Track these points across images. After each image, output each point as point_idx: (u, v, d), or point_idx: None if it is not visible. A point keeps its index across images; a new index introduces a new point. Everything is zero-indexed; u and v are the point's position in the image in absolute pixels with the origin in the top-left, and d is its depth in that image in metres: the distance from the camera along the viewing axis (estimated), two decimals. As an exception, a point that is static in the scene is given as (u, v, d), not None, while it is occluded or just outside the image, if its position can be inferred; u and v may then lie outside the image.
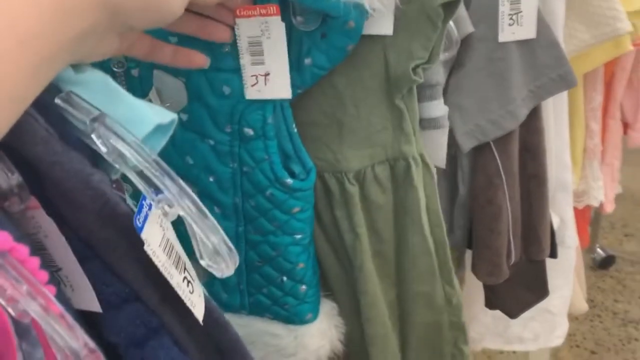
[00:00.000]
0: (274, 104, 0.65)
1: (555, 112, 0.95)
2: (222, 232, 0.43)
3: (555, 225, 1.02)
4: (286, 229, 0.71)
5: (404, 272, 0.78)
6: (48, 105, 0.40)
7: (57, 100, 0.40)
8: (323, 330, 0.79)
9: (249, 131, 0.66)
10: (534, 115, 0.87)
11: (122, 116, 0.43)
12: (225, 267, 0.44)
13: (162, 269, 0.44)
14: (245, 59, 0.62)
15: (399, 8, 0.61)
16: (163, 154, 0.60)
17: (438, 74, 0.74)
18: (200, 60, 0.57)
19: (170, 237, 0.47)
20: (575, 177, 1.14)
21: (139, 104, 0.44)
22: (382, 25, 0.63)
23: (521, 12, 0.76)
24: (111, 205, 0.42)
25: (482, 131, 0.82)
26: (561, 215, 1.04)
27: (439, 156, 0.78)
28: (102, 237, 0.44)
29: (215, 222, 0.43)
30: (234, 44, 0.62)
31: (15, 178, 0.39)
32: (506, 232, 0.91)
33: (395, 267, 0.79)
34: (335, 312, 0.80)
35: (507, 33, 0.77)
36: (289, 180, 0.68)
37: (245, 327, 0.79)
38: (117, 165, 0.42)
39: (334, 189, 0.73)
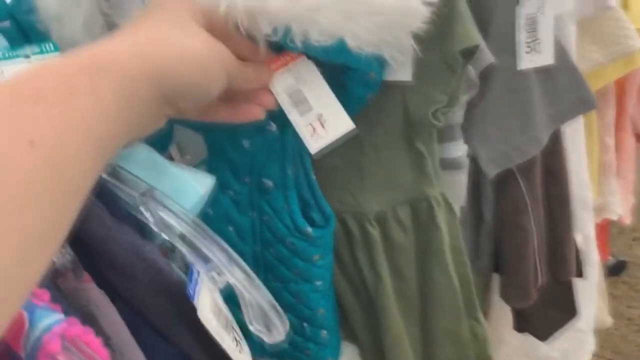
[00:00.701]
0: (294, 154, 0.65)
1: (572, 131, 0.94)
2: (271, 297, 0.43)
3: (579, 244, 1.01)
4: (306, 276, 0.71)
5: (428, 309, 0.78)
6: (97, 181, 0.40)
7: (106, 176, 0.40)
8: None
9: (269, 183, 0.66)
10: (554, 138, 0.85)
11: (167, 188, 0.43)
12: (276, 333, 0.43)
13: (214, 334, 0.44)
14: (293, 114, 0.59)
15: (418, 55, 0.60)
16: None
17: (457, 114, 0.74)
18: (257, 112, 0.55)
19: (218, 300, 0.47)
20: (594, 193, 1.13)
21: (181, 174, 0.45)
22: (401, 72, 0.62)
23: (538, 39, 0.74)
24: (163, 276, 0.44)
25: (507, 157, 0.81)
26: (584, 233, 1.04)
27: (458, 195, 0.79)
28: (154, 305, 0.45)
29: (264, 287, 0.43)
30: None
31: (69, 255, 0.39)
32: (533, 256, 0.89)
33: (419, 305, 0.78)
34: (356, 355, 0.80)
35: (526, 61, 0.75)
36: (309, 229, 0.68)
37: None
38: (165, 235, 0.42)
39: (354, 231, 0.72)
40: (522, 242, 0.88)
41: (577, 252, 0.99)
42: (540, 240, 0.90)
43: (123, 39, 0.40)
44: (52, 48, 0.49)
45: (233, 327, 0.48)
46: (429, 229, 0.73)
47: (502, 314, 1.04)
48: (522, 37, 0.74)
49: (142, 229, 0.43)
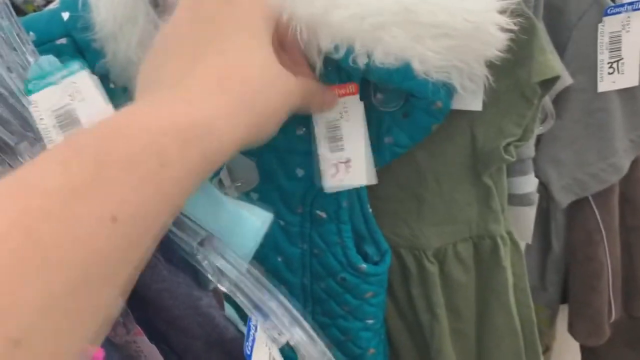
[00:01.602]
0: (347, 191, 0.61)
1: None
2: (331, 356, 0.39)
3: None
4: (357, 314, 0.67)
5: (487, 352, 0.73)
6: None
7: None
8: None
9: (322, 214, 0.63)
10: (635, 165, 0.79)
11: (225, 224, 0.40)
12: None
13: None
14: (323, 147, 0.57)
15: (491, 84, 0.55)
16: None
17: (529, 147, 0.69)
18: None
19: (276, 357, 0.43)
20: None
21: (239, 209, 0.41)
22: (470, 101, 0.57)
23: (622, 59, 0.69)
24: (219, 331, 0.41)
25: (581, 185, 0.77)
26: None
27: (526, 233, 0.73)
28: None
29: (325, 347, 0.39)
30: (307, 127, 0.58)
31: (122, 307, 0.35)
32: (607, 289, 0.85)
33: (476, 348, 0.73)
34: None
35: (607, 82, 0.70)
36: (363, 266, 0.64)
37: None
38: (222, 288, 0.38)
39: (411, 267, 0.67)
40: (594, 275, 0.83)
41: None
42: (615, 274, 0.85)
43: (202, 97, 0.36)
44: (78, 67, 0.45)
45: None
46: (492, 269, 0.68)
47: (568, 348, 0.98)
48: (604, 56, 0.69)
49: (197, 275, 0.40)
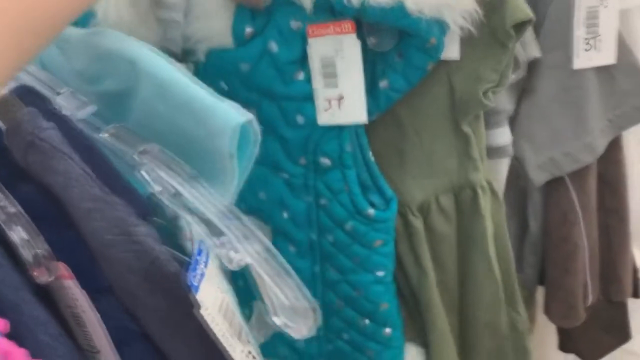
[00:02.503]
0: (351, 131, 0.63)
1: (637, 140, 0.87)
2: (300, 282, 0.38)
3: (638, 261, 0.94)
4: (367, 265, 0.68)
5: (468, 300, 0.75)
6: (91, 147, 0.36)
7: (104, 135, 0.36)
8: None
9: (326, 161, 0.63)
10: (614, 146, 0.79)
11: (198, 123, 0.39)
12: (304, 326, 0.38)
13: (222, 339, 0.37)
14: (318, 82, 0.59)
15: (464, 32, 0.58)
16: None
17: (503, 99, 0.71)
18: None
19: (230, 302, 0.40)
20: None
21: (216, 104, 0.40)
22: (448, 49, 0.59)
23: (599, 35, 0.69)
24: (159, 265, 0.36)
25: (556, 164, 0.76)
26: (646, 253, 0.96)
27: (499, 185, 0.76)
28: (150, 306, 0.38)
29: (292, 271, 0.38)
30: (307, 70, 0.59)
31: (42, 247, 0.35)
32: (583, 272, 0.84)
33: (458, 297, 0.75)
34: (421, 358, 0.76)
35: (583, 59, 0.70)
36: (371, 211, 0.65)
37: None
38: (174, 207, 0.37)
39: (397, 223, 0.69)
40: (569, 257, 0.82)
41: (636, 271, 0.92)
42: (592, 256, 0.84)
43: None
44: None
45: (249, 340, 0.40)
46: (472, 218, 0.70)
47: (548, 331, 0.98)
48: (580, 32, 0.69)
49: (142, 206, 0.39)
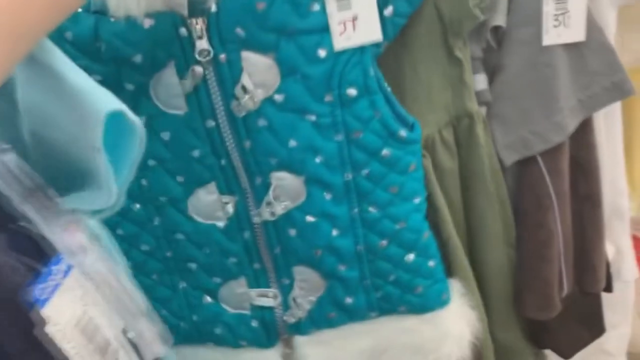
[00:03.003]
0: (372, 54, 0.62)
1: (607, 129, 0.85)
2: None
3: (610, 256, 0.91)
4: (405, 193, 0.68)
5: (473, 237, 0.78)
6: None
7: None
8: (461, 311, 0.75)
9: (352, 91, 0.62)
10: (585, 128, 0.77)
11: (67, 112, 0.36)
12: None
13: (76, 358, 0.32)
14: (331, 5, 0.58)
15: None
16: (263, 142, 0.63)
17: (475, 49, 0.72)
18: None
19: (96, 316, 0.34)
20: (634, 203, 1.03)
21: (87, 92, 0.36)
22: None
23: (568, 11, 0.67)
24: (3, 276, 0.31)
25: (526, 144, 0.74)
26: (617, 245, 0.94)
27: None
28: None
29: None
30: (321, 1, 0.58)
31: None
32: (557, 260, 0.81)
33: (466, 234, 0.77)
34: (463, 290, 0.76)
35: (552, 35, 0.68)
36: (403, 132, 0.64)
37: (375, 333, 0.75)
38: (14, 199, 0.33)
39: None
40: (544, 244, 0.79)
41: (608, 263, 0.89)
42: (566, 244, 0.81)
43: None
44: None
45: (117, 358, 0.35)
46: (470, 149, 0.72)
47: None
48: (549, 8, 0.67)
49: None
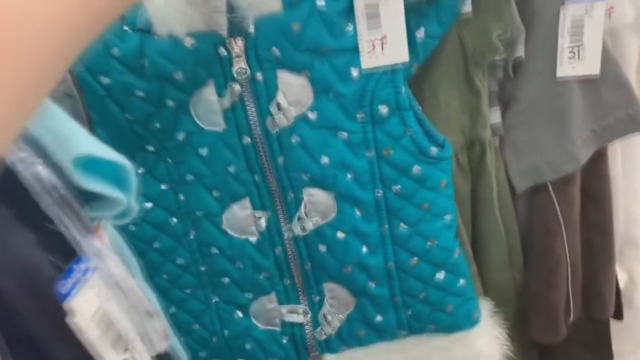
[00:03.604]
0: (403, 73, 0.63)
1: (624, 159, 0.85)
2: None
3: (622, 284, 0.90)
4: (435, 209, 0.68)
5: (478, 257, 0.79)
6: None
7: None
8: (491, 331, 0.75)
9: (384, 109, 0.63)
10: (599, 159, 0.76)
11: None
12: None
13: (92, 347, 0.36)
14: (361, 25, 0.59)
15: None
16: (296, 158, 0.65)
17: (491, 83, 0.75)
18: None
19: (112, 312, 0.38)
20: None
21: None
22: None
23: (583, 44, 0.66)
24: (34, 271, 0.35)
25: (538, 172, 0.74)
26: (629, 273, 0.96)
27: None
28: (27, 312, 0.36)
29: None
30: (354, 22, 0.59)
31: None
32: (565, 286, 0.79)
33: (473, 255, 0.78)
34: (494, 310, 0.77)
35: (567, 68, 0.68)
36: (434, 149, 0.65)
37: (406, 352, 0.75)
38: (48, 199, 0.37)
39: None
40: (551, 269, 0.79)
41: (618, 292, 0.88)
42: (575, 271, 0.79)
43: None
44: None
45: (128, 348, 0.38)
46: (480, 175, 0.73)
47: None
48: (565, 41, 0.69)
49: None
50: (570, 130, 0.73)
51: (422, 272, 0.70)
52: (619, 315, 0.90)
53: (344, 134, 0.64)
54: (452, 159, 0.68)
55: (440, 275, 0.70)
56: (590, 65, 0.67)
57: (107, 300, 0.38)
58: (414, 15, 0.60)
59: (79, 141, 0.37)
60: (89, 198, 0.38)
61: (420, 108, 0.65)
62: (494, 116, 0.73)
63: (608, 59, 0.70)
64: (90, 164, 0.37)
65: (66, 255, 0.38)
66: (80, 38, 0.31)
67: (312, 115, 0.62)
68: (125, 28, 0.59)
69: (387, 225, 0.68)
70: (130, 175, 0.39)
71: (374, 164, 0.65)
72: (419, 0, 0.59)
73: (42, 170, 0.36)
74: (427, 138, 0.65)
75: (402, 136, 0.64)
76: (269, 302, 0.73)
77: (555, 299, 0.82)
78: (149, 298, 0.39)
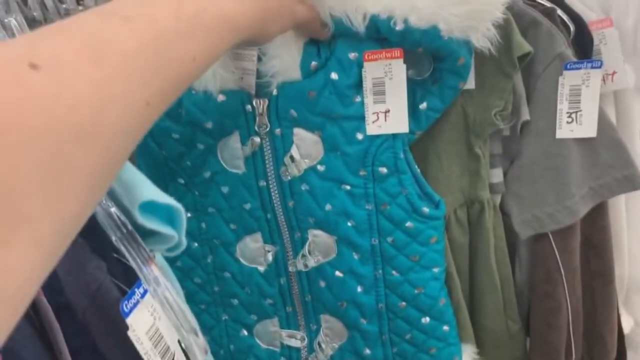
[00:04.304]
0: (402, 141, 0.71)
1: (630, 208, 0.90)
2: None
3: (628, 329, 0.95)
4: (425, 262, 0.75)
5: (475, 306, 0.84)
6: None
7: None
8: None
9: (383, 170, 0.71)
10: (599, 212, 0.83)
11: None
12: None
13: (145, 357, 0.44)
14: (368, 99, 0.67)
15: (484, 53, 0.67)
16: (304, 203, 0.73)
17: (495, 146, 0.81)
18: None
19: (162, 328, 0.47)
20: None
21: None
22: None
23: (581, 110, 0.75)
24: (103, 291, 0.44)
25: (539, 222, 0.81)
26: (636, 318, 1.00)
27: None
28: (95, 325, 0.45)
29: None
30: (362, 94, 0.68)
31: None
32: (566, 328, 0.86)
33: (469, 302, 0.84)
34: (475, 356, 0.84)
35: (565, 130, 0.76)
36: (426, 209, 0.72)
37: None
38: (113, 236, 0.44)
39: None
40: (552, 312, 0.86)
41: (622, 336, 0.94)
42: (575, 315, 0.87)
43: None
44: None
45: (174, 359, 0.47)
46: (479, 230, 0.80)
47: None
48: (563, 106, 0.76)
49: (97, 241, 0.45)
50: (569, 187, 0.80)
51: (409, 316, 0.78)
52: (622, 359, 0.94)
53: (347, 187, 0.73)
54: (445, 219, 0.76)
55: (426, 320, 0.77)
56: (587, 129, 0.75)
57: (160, 318, 0.47)
58: (419, 89, 0.69)
59: (143, 188, 0.47)
60: (147, 234, 0.48)
61: (419, 170, 0.74)
62: (496, 176, 0.82)
63: (604, 123, 0.79)
64: (150, 205, 0.47)
65: (129, 280, 0.48)
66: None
67: (321, 168, 0.72)
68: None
69: (380, 270, 0.76)
70: (182, 216, 0.49)
71: (372, 216, 0.73)
72: (424, 77, 0.68)
73: (114, 210, 0.46)
74: (421, 199, 0.73)
75: (399, 195, 0.72)
76: (272, 325, 0.83)
77: (556, 340, 0.88)
78: (191, 317, 0.49)
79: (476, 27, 0.63)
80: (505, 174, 0.84)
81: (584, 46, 0.83)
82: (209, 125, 0.72)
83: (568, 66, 0.74)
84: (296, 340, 0.84)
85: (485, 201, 0.78)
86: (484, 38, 0.64)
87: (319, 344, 0.83)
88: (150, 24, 0.37)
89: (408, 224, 0.73)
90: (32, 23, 0.73)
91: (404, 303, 0.77)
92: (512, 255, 0.90)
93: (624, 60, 0.83)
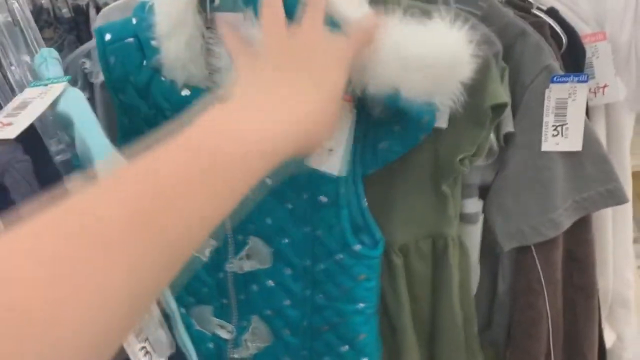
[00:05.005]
0: (346, 179, 0.75)
1: (616, 223, 0.98)
2: None
3: (610, 343, 1.03)
4: (351, 295, 0.82)
5: (435, 337, 0.88)
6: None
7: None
8: None
9: (323, 199, 0.77)
10: (583, 226, 0.90)
11: None
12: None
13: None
14: None
15: (455, 106, 0.70)
16: (247, 210, 0.75)
17: (474, 176, 0.85)
18: None
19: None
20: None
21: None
22: (439, 120, 0.73)
23: (566, 124, 0.81)
24: None
25: (523, 235, 0.87)
26: (618, 333, 1.01)
27: (473, 245, 0.88)
28: None
29: None
30: None
31: None
32: (546, 340, 0.96)
33: (429, 330, 0.89)
34: None
35: (551, 143, 0.81)
36: (357, 247, 0.79)
37: None
38: None
39: (381, 260, 0.86)
40: (532, 323, 0.93)
41: (604, 351, 1.02)
42: (555, 327, 0.95)
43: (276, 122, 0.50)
44: (65, 79, 0.67)
45: (148, 340, 0.54)
46: (442, 265, 0.85)
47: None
48: (549, 119, 0.80)
49: None
50: (553, 199, 0.87)
51: (329, 340, 0.85)
52: (603, 374, 1.06)
53: (290, 205, 0.80)
54: (381, 258, 0.81)
55: (344, 349, 0.85)
56: (572, 142, 0.82)
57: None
58: (383, 127, 0.75)
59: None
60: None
61: (366, 205, 0.78)
62: (471, 206, 0.86)
63: (590, 137, 0.85)
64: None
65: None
66: None
67: (269, 181, 0.77)
68: (144, 62, 0.74)
69: (309, 291, 0.84)
70: None
71: (309, 239, 0.80)
72: (388, 117, 0.72)
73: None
74: (356, 236, 0.79)
75: (333, 226, 0.79)
76: (206, 311, 0.92)
77: (536, 351, 0.93)
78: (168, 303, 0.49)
79: (441, 92, 0.65)
80: (489, 186, 0.90)
81: (576, 59, 0.87)
82: (170, 114, 0.79)
83: (555, 79, 0.78)
84: (226, 332, 0.92)
85: (449, 239, 0.84)
86: (448, 99, 0.66)
87: (245, 340, 0.92)
88: None
89: (339, 256, 0.80)
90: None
91: (326, 327, 0.85)
92: (495, 265, 0.92)
93: (615, 73, 0.84)
